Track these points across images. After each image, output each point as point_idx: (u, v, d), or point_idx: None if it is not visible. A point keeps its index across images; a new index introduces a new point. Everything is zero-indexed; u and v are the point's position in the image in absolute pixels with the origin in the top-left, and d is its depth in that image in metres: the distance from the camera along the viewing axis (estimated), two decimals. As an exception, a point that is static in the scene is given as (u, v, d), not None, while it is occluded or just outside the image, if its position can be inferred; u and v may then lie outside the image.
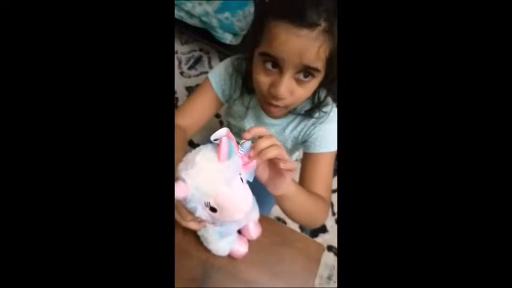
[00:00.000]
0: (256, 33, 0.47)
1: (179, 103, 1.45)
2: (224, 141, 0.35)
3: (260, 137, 0.39)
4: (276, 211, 1.17)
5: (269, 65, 0.46)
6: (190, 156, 0.37)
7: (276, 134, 0.67)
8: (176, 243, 0.51)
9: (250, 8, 1.29)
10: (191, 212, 0.39)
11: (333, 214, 1.26)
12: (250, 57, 0.51)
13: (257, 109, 0.65)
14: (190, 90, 1.49)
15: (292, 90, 0.47)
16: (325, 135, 0.60)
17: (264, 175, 0.44)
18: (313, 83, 0.48)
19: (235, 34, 1.36)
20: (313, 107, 0.59)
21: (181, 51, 1.61)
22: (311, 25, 0.41)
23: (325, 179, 0.59)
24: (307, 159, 0.61)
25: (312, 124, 0.61)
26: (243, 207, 0.37)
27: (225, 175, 0.35)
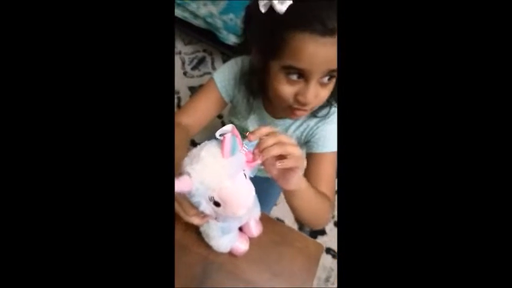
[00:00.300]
0: (272, 46, 0.45)
1: (182, 103, 1.46)
2: (228, 137, 0.36)
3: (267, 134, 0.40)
4: (276, 212, 1.18)
5: (294, 77, 0.46)
6: (195, 151, 0.38)
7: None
8: (176, 239, 0.51)
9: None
10: (194, 207, 0.40)
11: (332, 217, 1.26)
12: (262, 67, 0.50)
13: (260, 110, 0.66)
14: (193, 90, 1.50)
15: (318, 93, 0.48)
16: (328, 135, 0.60)
17: (273, 170, 0.44)
18: (333, 83, 0.49)
19: (239, 35, 1.36)
20: (322, 106, 0.58)
21: (185, 51, 1.62)
22: (332, 31, 0.41)
23: (329, 179, 0.59)
24: (310, 160, 0.61)
25: (315, 124, 0.62)
26: (245, 203, 0.37)
27: (229, 170, 0.36)
